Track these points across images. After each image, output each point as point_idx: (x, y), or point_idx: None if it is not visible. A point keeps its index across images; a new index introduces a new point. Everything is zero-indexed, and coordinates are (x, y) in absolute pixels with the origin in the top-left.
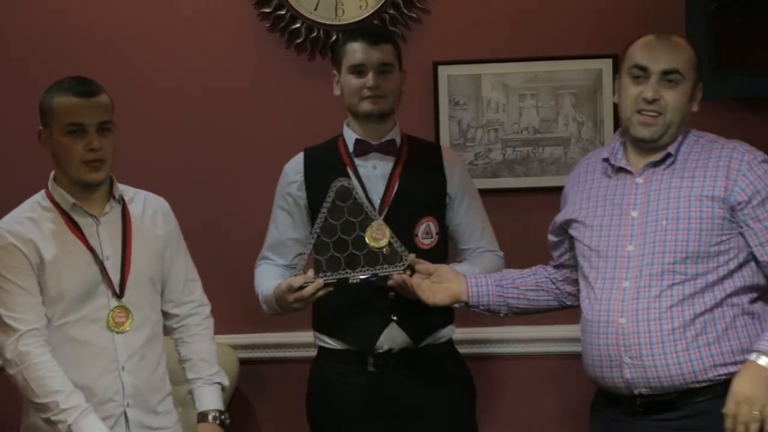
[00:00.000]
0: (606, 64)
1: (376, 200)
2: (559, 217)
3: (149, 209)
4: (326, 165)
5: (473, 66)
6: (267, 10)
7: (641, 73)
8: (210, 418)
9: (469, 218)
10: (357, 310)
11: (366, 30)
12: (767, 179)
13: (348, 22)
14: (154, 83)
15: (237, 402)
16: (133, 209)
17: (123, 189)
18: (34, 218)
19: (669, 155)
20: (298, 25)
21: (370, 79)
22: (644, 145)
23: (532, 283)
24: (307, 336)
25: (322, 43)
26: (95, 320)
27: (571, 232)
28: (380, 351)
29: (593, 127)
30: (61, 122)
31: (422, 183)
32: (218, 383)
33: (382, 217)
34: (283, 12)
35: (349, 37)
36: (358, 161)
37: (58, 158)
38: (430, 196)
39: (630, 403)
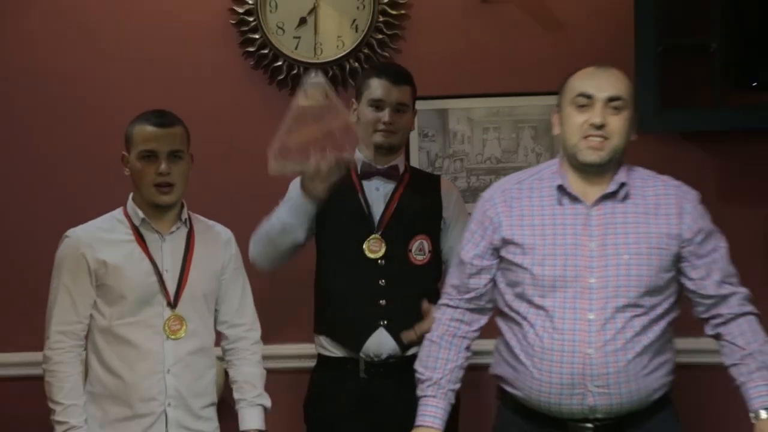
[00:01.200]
0: None
1: (377, 217)
2: (495, 239)
3: (214, 235)
4: (339, 181)
5: (441, 101)
6: (251, 50)
7: (586, 101)
8: None
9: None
10: (350, 313)
11: (390, 69)
12: (706, 219)
13: (326, 60)
14: None
15: (223, 410)
16: (200, 233)
17: (196, 216)
18: (105, 228)
19: (623, 185)
20: (280, 63)
21: (386, 115)
22: (591, 170)
23: (462, 358)
24: (293, 348)
25: (302, 80)
26: (149, 326)
27: (508, 256)
28: (371, 359)
29: (550, 157)
30: (138, 148)
31: (419, 205)
32: (260, 405)
33: (380, 232)
34: (266, 51)
35: (373, 73)
36: (363, 182)
37: (134, 180)
38: (425, 217)
39: (579, 427)
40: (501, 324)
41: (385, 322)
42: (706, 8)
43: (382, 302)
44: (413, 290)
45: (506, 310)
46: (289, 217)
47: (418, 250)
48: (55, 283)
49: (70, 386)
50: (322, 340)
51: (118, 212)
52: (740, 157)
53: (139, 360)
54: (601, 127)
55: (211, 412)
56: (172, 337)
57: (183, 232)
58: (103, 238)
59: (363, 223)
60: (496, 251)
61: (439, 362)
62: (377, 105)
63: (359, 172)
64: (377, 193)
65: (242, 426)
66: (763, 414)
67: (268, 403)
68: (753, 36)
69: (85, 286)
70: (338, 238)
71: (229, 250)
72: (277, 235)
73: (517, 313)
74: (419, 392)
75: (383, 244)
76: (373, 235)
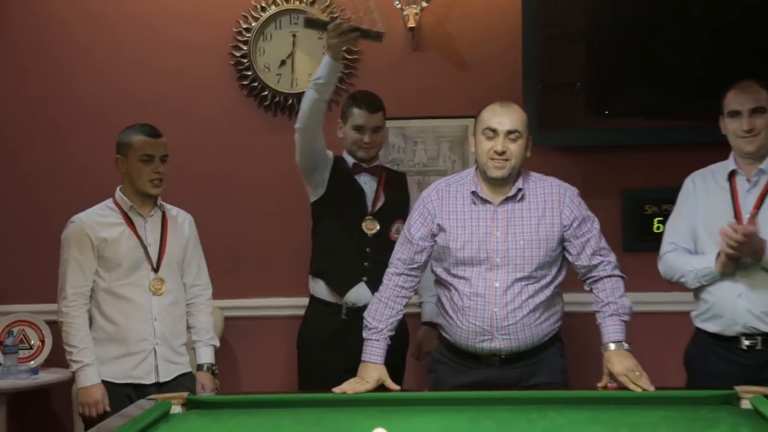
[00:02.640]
0: (470, 122)
1: (370, 203)
2: (434, 226)
3: (180, 218)
4: (342, 166)
5: None
6: (245, 83)
7: (492, 133)
8: (205, 368)
9: None
10: (341, 266)
11: (368, 100)
12: (582, 208)
13: (300, 91)
14: (169, 138)
15: (222, 348)
16: (170, 216)
17: (166, 205)
18: (100, 214)
19: (519, 190)
20: (266, 93)
21: (366, 137)
22: (497, 183)
23: (401, 313)
24: (273, 301)
25: (282, 105)
26: (139, 285)
27: (440, 240)
28: (351, 306)
29: (462, 164)
30: (138, 153)
31: (396, 196)
32: (213, 345)
33: (373, 213)
34: (256, 84)
35: (355, 103)
36: (355, 177)
37: (131, 176)
38: (400, 205)
39: (489, 359)
40: (437, 288)
41: (366, 279)
42: (573, 57)
43: (366, 264)
44: (389, 259)
45: (441, 279)
46: (320, 74)
47: (396, 231)
48: (65, 256)
49: (83, 334)
50: (315, 285)
51: (108, 202)
52: (597, 165)
53: (133, 311)
54: (502, 153)
55: (185, 350)
56: (156, 293)
57: (159, 215)
58: (101, 221)
59: (361, 206)
60: (433, 236)
61: (384, 316)
62: (359, 129)
63: (351, 169)
64: (366, 186)
65: (199, 360)
66: (611, 346)
67: (217, 343)
68: (605, 78)
69: (90, 258)
70: (341, 214)
71: (192, 229)
72: (313, 97)
73: (447, 281)
74: (365, 335)
75: (377, 224)
76: (368, 216)
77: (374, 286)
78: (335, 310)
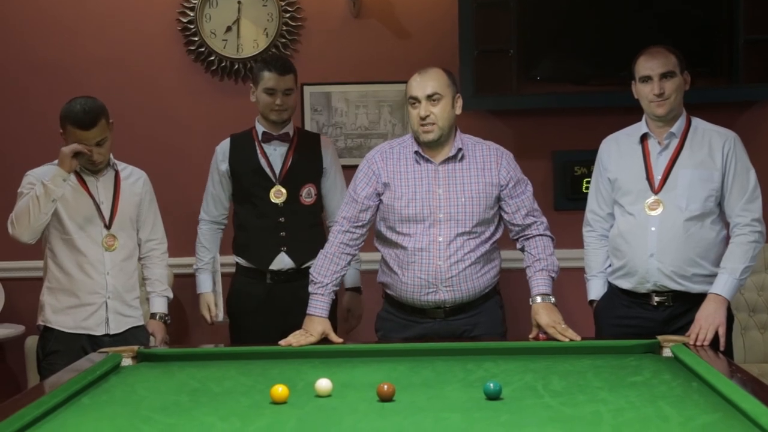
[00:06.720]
0: None
1: (277, 171)
2: (379, 185)
3: (134, 176)
4: (244, 145)
5: (326, 86)
6: (192, 48)
7: (415, 101)
8: (157, 317)
9: (335, 188)
10: (259, 241)
11: (278, 63)
12: (517, 170)
13: (246, 56)
14: (120, 101)
15: (172, 304)
16: (123, 175)
17: (120, 163)
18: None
19: (459, 150)
20: (212, 58)
21: (278, 99)
22: (432, 145)
23: (345, 269)
24: (222, 258)
25: (228, 70)
26: (93, 241)
27: (384, 199)
28: (274, 270)
29: (402, 128)
30: (72, 141)
31: (305, 161)
32: (166, 296)
33: (281, 182)
34: (203, 49)
35: (265, 66)
36: (264, 145)
37: None
38: (310, 170)
39: (434, 312)
40: (380, 246)
41: (285, 248)
42: (506, 25)
43: (283, 234)
44: (304, 224)
45: (386, 237)
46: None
47: (307, 194)
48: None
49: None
50: (237, 257)
51: None
52: (530, 128)
53: (86, 264)
54: (426, 117)
55: (138, 303)
56: (109, 249)
57: (111, 174)
58: None
59: (268, 177)
60: (378, 195)
61: (329, 272)
62: (270, 92)
63: (260, 138)
64: (275, 153)
65: (152, 310)
66: (537, 299)
67: (171, 295)
68: (537, 45)
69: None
70: (250, 188)
71: (146, 186)
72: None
73: (392, 239)
74: (311, 289)
75: (284, 191)
76: (276, 186)
77: (294, 253)
78: (260, 276)
